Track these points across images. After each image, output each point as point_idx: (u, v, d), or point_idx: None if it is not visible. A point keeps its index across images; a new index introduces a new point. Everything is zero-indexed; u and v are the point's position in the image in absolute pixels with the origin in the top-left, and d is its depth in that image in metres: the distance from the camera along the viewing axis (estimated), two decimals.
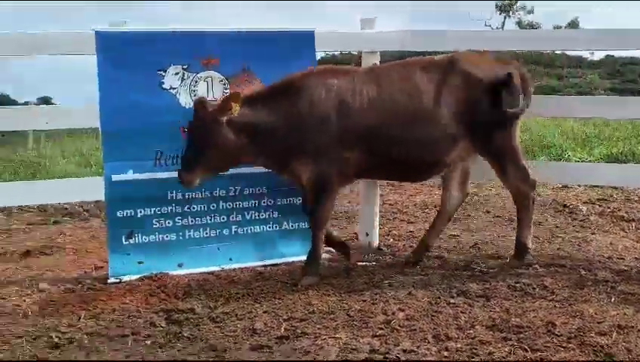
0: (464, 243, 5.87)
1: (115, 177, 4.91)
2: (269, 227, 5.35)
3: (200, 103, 4.66)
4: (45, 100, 41.23)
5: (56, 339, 3.79)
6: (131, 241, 5.00)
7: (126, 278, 4.88)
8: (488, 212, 7.28)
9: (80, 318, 4.15)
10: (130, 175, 4.95)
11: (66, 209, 7.94)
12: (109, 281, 4.87)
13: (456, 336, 3.71)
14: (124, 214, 4.97)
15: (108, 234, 5.02)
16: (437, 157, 4.96)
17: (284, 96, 4.79)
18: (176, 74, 5.04)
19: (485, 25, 48.47)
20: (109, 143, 4.97)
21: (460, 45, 5.38)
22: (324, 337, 3.72)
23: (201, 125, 4.65)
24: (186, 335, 3.83)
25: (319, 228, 4.89)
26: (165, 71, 5.01)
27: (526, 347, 3.54)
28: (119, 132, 4.91)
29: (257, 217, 5.31)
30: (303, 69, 5.01)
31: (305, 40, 5.35)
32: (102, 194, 4.96)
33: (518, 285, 4.57)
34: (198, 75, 5.08)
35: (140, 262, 4.99)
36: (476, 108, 4.90)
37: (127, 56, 4.93)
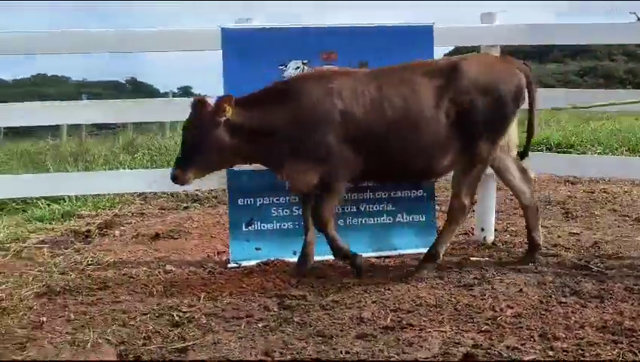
0: (583, 242, 5.70)
1: (236, 167, 5.15)
2: (383, 219, 5.43)
3: (200, 103, 4.68)
4: (185, 90, 43.20)
5: (177, 318, 4.06)
6: (251, 228, 5.25)
7: (244, 263, 5.13)
8: (614, 210, 7.00)
9: (200, 299, 4.40)
10: (250, 165, 5.17)
11: (197, 195, 8.36)
12: (228, 266, 5.14)
13: (564, 336, 3.65)
14: (245, 202, 5.22)
15: (229, 221, 5.29)
16: (432, 164, 4.84)
17: (283, 98, 4.76)
18: (297, 68, 5.21)
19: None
20: None
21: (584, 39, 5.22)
22: (429, 329, 3.77)
23: (199, 125, 4.67)
24: (296, 320, 3.98)
25: (326, 227, 4.83)
26: (286, 65, 5.20)
27: (636, 351, 3.44)
28: None
29: (372, 209, 5.40)
30: None
31: (423, 35, 5.38)
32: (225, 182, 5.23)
33: (636, 287, 4.42)
34: None
35: (257, 249, 5.22)
36: (474, 115, 4.74)
37: (250, 52, 5.16)
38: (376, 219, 5.43)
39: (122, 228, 6.76)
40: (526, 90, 4.85)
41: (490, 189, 5.79)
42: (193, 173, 4.67)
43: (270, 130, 4.67)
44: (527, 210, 5.21)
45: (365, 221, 5.41)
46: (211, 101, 4.62)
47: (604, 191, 8.06)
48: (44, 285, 4.73)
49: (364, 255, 5.22)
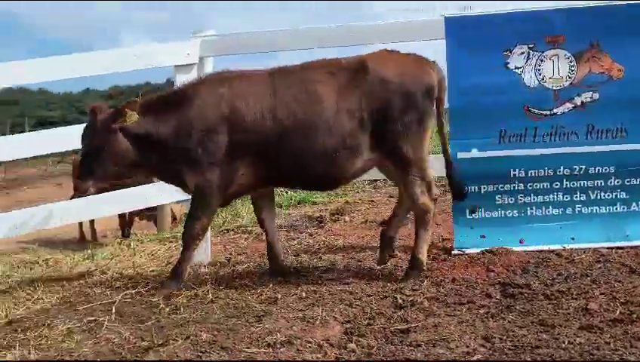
0: None
1: (460, 155, 5.19)
2: (616, 208, 5.16)
3: (92, 111, 4.60)
4: None
5: (400, 301, 4.21)
6: (474, 216, 5.26)
7: (468, 251, 5.15)
8: None
9: (423, 284, 4.52)
10: (474, 153, 5.18)
11: None
12: (452, 253, 5.19)
13: None
14: (469, 190, 5.23)
15: (453, 208, 5.34)
16: (338, 170, 4.55)
17: (174, 105, 4.60)
18: (522, 53, 5.13)
19: None
20: (455, 122, 5.27)
21: None
22: None
23: (92, 132, 4.61)
24: (518, 308, 3.95)
25: (188, 244, 4.70)
26: (511, 51, 5.13)
27: None
28: (465, 111, 5.20)
29: (603, 197, 5.16)
30: None
31: None
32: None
33: None
34: (544, 54, 5.11)
35: (482, 236, 5.22)
36: (386, 115, 4.49)
37: (473, 39, 5.17)
38: (607, 208, 5.17)
39: (352, 214, 7.08)
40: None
41: None
42: (91, 182, 4.67)
43: (159, 137, 4.59)
44: (401, 206, 5.05)
45: (596, 210, 5.17)
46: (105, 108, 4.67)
47: None
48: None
49: (596, 245, 5.03)
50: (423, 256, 4.74)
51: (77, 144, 4.79)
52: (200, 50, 5.38)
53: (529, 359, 3.23)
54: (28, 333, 3.82)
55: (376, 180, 8.61)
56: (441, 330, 3.67)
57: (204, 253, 5.48)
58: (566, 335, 3.49)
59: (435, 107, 4.74)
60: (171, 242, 6.82)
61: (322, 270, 4.96)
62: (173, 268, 4.81)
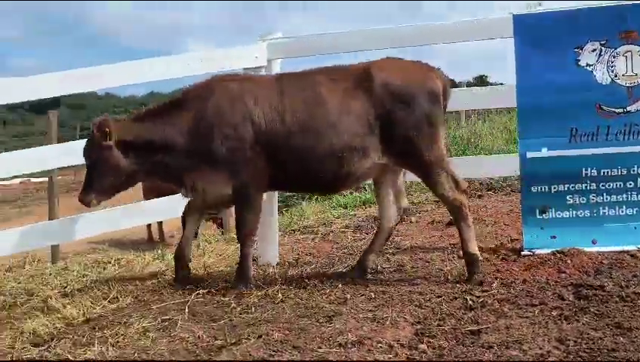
0: None
1: (529, 154, 5.12)
2: None
3: (96, 126, 4.66)
4: (481, 79, 42.98)
5: (470, 302, 4.18)
6: (545, 216, 5.17)
7: (538, 251, 5.07)
8: None
9: (493, 285, 4.47)
10: (544, 152, 5.10)
11: (490, 183, 8.39)
12: (522, 253, 5.12)
13: None
14: (538, 190, 5.15)
15: (522, 208, 5.26)
16: (343, 172, 4.56)
17: (179, 109, 4.69)
18: (593, 50, 5.02)
19: None
20: (524, 122, 5.20)
21: None
22: None
23: (90, 148, 4.74)
24: (592, 310, 3.87)
25: (246, 243, 4.86)
26: (582, 48, 5.03)
27: None
28: (534, 110, 5.12)
29: None
30: None
31: None
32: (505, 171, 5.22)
33: None
34: (617, 50, 4.99)
35: (552, 237, 5.13)
36: (392, 119, 4.56)
37: (543, 37, 5.09)
38: None
39: (418, 214, 7.06)
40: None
41: None
42: (94, 196, 4.77)
43: (166, 143, 4.69)
44: (381, 233, 5.02)
45: None
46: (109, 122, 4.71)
47: None
48: (348, 266, 5.15)
49: None
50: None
51: None
52: (268, 53, 5.45)
53: None
54: (105, 331, 3.93)
55: None
56: (513, 332, 3.62)
57: (272, 253, 5.54)
58: None
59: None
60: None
61: (390, 271, 4.95)
62: (237, 268, 4.89)
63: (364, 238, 6.18)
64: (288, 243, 6.36)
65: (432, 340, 3.60)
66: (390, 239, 5.82)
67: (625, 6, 5.03)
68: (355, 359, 3.36)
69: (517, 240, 5.53)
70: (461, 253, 5.08)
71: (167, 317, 4.10)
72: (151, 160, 4.74)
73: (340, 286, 4.63)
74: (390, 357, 3.39)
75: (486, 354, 3.36)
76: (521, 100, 5.14)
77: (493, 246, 5.46)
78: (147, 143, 4.69)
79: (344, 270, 5.10)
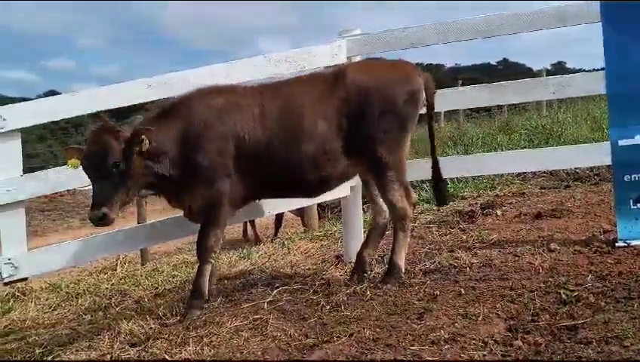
0: None
1: (621, 142, 4.95)
2: None
3: (109, 132, 4.25)
4: (559, 66, 41.93)
5: (564, 296, 4.06)
6: (639, 206, 4.98)
7: (634, 243, 4.89)
8: None
9: (587, 278, 4.34)
10: (637, 139, 4.92)
11: (577, 173, 8.15)
12: (616, 245, 4.95)
13: None
14: (632, 178, 4.97)
15: (615, 198, 5.09)
16: (322, 175, 4.51)
17: (173, 118, 4.49)
18: None
19: None
20: (615, 108, 5.03)
21: None
22: None
23: (112, 155, 4.21)
24: None
25: (204, 258, 4.58)
26: None
27: None
28: (626, 96, 4.95)
29: None
30: None
31: None
32: (610, 158, 5.04)
33: None
34: None
35: None
36: (363, 120, 4.55)
37: (632, 20, 4.90)
38: None
39: (504, 207, 6.92)
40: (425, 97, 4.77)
41: None
42: (118, 208, 4.26)
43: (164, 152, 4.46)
44: (376, 229, 5.10)
45: None
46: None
47: None
48: (434, 262, 5.09)
49: None
50: (402, 261, 4.80)
51: None
52: (347, 50, 5.45)
53: None
54: (199, 331, 4.02)
55: (524, 173, 8.39)
56: (612, 327, 3.49)
57: (357, 249, 5.54)
58: None
59: (420, 111, 4.84)
60: (322, 240, 6.96)
61: (479, 266, 4.87)
62: (193, 284, 4.68)
63: (449, 233, 6.11)
64: None
65: (526, 336, 3.51)
66: (477, 234, 5.76)
67: None
68: (449, 356, 3.32)
69: (609, 231, 5.35)
70: (550, 245, 5.02)
71: (258, 317, 4.15)
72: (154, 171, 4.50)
73: (428, 282, 4.59)
74: (485, 354, 3.33)
75: (585, 351, 3.25)
76: (612, 87, 4.97)
77: (585, 238, 5.30)
78: (157, 152, 4.45)
79: (432, 266, 5.04)
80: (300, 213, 10.09)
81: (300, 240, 7.25)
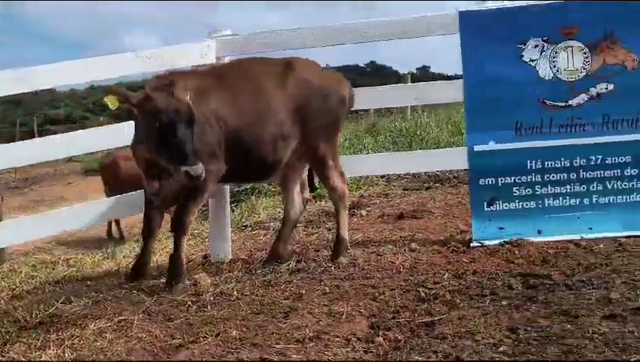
0: None
1: (477, 147, 5.25)
2: (633, 197, 5.20)
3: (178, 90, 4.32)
4: (424, 70, 43.59)
5: (423, 294, 4.26)
6: (492, 208, 5.31)
7: (487, 243, 5.21)
8: None
9: (444, 276, 4.57)
10: (491, 145, 5.23)
11: (438, 176, 8.53)
12: (471, 245, 5.24)
13: None
14: (486, 182, 5.29)
15: (471, 201, 5.40)
16: (277, 157, 4.94)
17: None
18: (536, 46, 5.18)
19: None
20: (471, 115, 5.33)
21: None
22: None
23: (187, 111, 4.29)
24: (540, 299, 3.99)
25: (183, 232, 4.76)
26: (525, 44, 5.18)
27: None
28: (481, 105, 5.26)
29: (620, 187, 5.20)
30: None
31: None
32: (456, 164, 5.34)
33: None
34: (558, 46, 5.15)
35: (500, 228, 5.28)
36: (308, 112, 4.97)
37: (488, 33, 5.22)
38: (624, 198, 5.21)
39: (368, 208, 7.14)
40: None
41: None
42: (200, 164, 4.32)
43: None
44: (288, 222, 5.39)
45: (613, 199, 5.22)
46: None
47: None
48: (301, 261, 5.18)
49: (613, 234, 5.07)
50: (346, 235, 5.27)
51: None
52: (217, 50, 5.43)
53: (556, 350, 3.28)
54: (60, 333, 3.89)
55: (388, 175, 8.67)
56: (465, 322, 3.71)
57: (225, 249, 5.55)
58: (590, 325, 3.53)
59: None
60: (187, 240, 6.86)
61: (344, 265, 5.00)
62: (171, 263, 4.74)
63: (316, 233, 6.24)
64: (240, 240, 6.37)
65: (387, 333, 3.67)
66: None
67: (565, 3, 5.20)
68: (313, 354, 3.41)
69: (465, 232, 5.65)
70: (411, 245, 5.25)
71: (123, 318, 4.06)
72: None
73: (294, 281, 4.67)
74: (348, 351, 3.45)
75: (441, 346, 3.43)
76: (468, 95, 5.27)
77: (443, 238, 5.58)
78: None
79: (298, 265, 5.13)
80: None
81: (165, 239, 7.13)
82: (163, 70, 4.91)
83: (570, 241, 5.08)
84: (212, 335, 3.68)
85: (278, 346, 3.51)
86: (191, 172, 4.13)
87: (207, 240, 6.54)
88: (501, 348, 3.36)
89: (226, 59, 5.53)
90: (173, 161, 4.21)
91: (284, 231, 5.40)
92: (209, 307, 4.22)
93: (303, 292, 4.41)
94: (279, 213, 7.24)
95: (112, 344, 3.70)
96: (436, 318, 3.83)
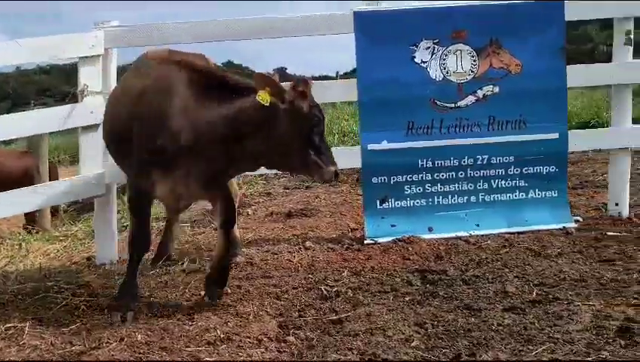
0: None
1: (370, 146, 5.31)
2: (516, 195, 5.47)
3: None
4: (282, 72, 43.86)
5: (325, 292, 4.25)
6: (385, 206, 5.41)
7: (380, 240, 5.28)
8: None
9: (343, 274, 4.59)
10: (384, 144, 5.31)
11: None
12: (365, 242, 5.30)
13: None
14: (379, 181, 5.37)
15: (364, 199, 5.46)
16: None
17: None
18: (427, 48, 5.30)
19: None
20: (364, 115, 5.39)
21: None
22: (577, 303, 3.81)
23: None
24: (441, 294, 4.10)
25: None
26: (417, 45, 5.30)
27: None
28: (374, 104, 5.32)
29: (504, 185, 5.45)
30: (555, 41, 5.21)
31: (554, 9, 5.34)
32: (350, 163, 5.37)
33: None
34: (448, 49, 5.30)
35: (392, 226, 5.37)
36: None
37: (382, 34, 5.29)
38: (508, 196, 5.46)
39: (253, 207, 7.06)
40: None
41: (625, 165, 5.68)
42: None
43: None
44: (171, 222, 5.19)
45: (497, 197, 5.46)
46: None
47: None
48: (195, 261, 5.03)
49: (498, 231, 5.29)
50: (237, 231, 5.11)
51: None
52: (105, 42, 5.17)
53: (465, 342, 3.38)
54: None
55: (266, 174, 8.61)
56: (374, 319, 3.74)
57: (111, 251, 5.29)
58: (493, 318, 3.68)
59: None
60: (62, 241, 6.52)
61: (241, 265, 4.90)
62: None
63: (203, 232, 6.09)
64: (123, 241, 6.07)
65: (297, 332, 3.62)
66: None
67: (456, 7, 5.37)
68: (227, 356, 3.31)
69: (356, 229, 5.72)
70: (306, 243, 5.29)
71: (11, 325, 3.76)
72: None
73: (192, 282, 4.52)
74: (262, 352, 3.37)
75: (354, 342, 3.43)
76: (362, 95, 5.32)
77: (336, 236, 5.61)
78: None
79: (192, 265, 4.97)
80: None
81: (35, 241, 6.72)
82: (52, 60, 4.63)
83: (459, 238, 5.25)
84: (116, 340, 3.47)
85: (188, 349, 3.37)
86: (338, 171, 3.95)
87: (85, 241, 6.24)
88: (413, 343, 3.42)
89: (114, 51, 5.28)
90: (322, 162, 3.91)
91: (169, 229, 5.19)
92: (106, 310, 3.99)
93: (202, 293, 4.28)
94: (160, 213, 7.00)
95: (2, 353, 3.42)
96: (343, 316, 3.82)
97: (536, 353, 3.20)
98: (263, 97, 3.77)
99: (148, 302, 4.15)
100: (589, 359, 3.11)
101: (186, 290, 4.36)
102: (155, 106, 3.94)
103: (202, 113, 3.88)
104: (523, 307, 3.82)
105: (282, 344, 3.48)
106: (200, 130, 3.88)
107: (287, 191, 7.99)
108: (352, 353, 3.32)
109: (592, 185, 7.11)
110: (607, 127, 7.16)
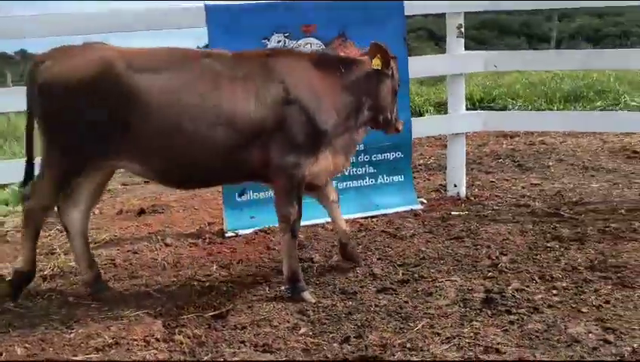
0: (547, 191, 6.20)
1: None
2: (366, 181, 5.76)
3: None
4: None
5: (198, 287, 4.26)
6: (244, 198, 5.47)
7: (241, 232, 5.35)
8: (561, 160, 7.55)
9: (212, 268, 4.61)
10: None
11: None
12: (226, 235, 5.34)
13: (561, 276, 4.10)
14: None
15: (223, 192, 5.46)
16: None
17: None
18: (279, 42, 5.40)
19: None
20: None
21: None
22: (441, 280, 4.14)
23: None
24: (313, 281, 4.27)
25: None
26: (269, 39, 5.38)
27: (627, 284, 3.92)
28: None
29: (355, 172, 5.71)
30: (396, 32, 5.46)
31: (395, 8, 5.66)
32: None
33: (608, 229, 4.93)
34: (298, 42, 5.44)
35: (252, 217, 5.45)
36: None
37: (233, 27, 5.30)
38: (359, 182, 5.74)
39: (98, 205, 6.79)
40: None
41: (461, 148, 6.16)
42: None
43: None
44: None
45: (350, 184, 5.71)
46: None
47: (543, 143, 8.63)
48: (54, 266, 4.80)
49: (353, 216, 5.54)
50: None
51: None
52: None
53: (351, 325, 3.56)
54: None
55: None
56: (257, 310, 3.83)
57: None
58: (370, 300, 3.90)
59: None
60: None
61: (104, 266, 4.73)
62: (287, 269, 4.09)
63: (49, 235, 5.78)
64: None
65: (183, 329, 3.60)
66: None
67: (307, 2, 5.50)
68: (119, 360, 3.24)
69: (213, 223, 5.73)
70: (166, 240, 5.24)
71: None
72: None
73: (57, 288, 4.33)
74: (155, 352, 3.34)
75: (244, 335, 3.50)
76: None
77: (195, 230, 5.58)
78: None
79: (52, 271, 4.72)
80: None
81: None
82: None
83: (316, 225, 5.43)
84: None
85: (77, 358, 3.27)
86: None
87: None
88: (301, 331, 3.56)
89: None
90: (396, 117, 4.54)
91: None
92: None
93: (71, 299, 4.12)
94: None
95: None
96: (223, 310, 3.85)
97: (417, 329, 3.46)
98: (376, 63, 4.28)
99: (17, 312, 3.92)
100: (465, 330, 3.42)
101: (53, 298, 4.16)
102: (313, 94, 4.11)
103: (338, 88, 4.22)
104: (394, 287, 4.08)
105: (171, 343, 3.46)
106: (343, 103, 4.22)
107: (127, 187, 7.75)
108: (245, 345, 3.40)
109: (426, 168, 7.61)
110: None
